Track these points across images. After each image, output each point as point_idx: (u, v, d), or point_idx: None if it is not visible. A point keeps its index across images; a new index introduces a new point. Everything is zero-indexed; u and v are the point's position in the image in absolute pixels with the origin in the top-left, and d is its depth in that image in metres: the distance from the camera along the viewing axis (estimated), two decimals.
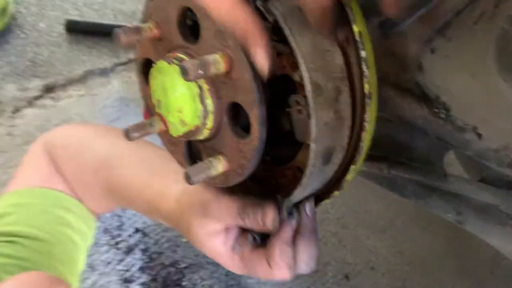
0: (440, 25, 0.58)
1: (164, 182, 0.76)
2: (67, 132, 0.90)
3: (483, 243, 1.45)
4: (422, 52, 0.60)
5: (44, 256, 0.79)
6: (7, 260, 0.73)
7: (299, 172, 0.60)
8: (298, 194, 0.57)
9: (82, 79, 1.47)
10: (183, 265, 1.17)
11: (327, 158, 0.54)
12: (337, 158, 0.55)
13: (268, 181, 0.62)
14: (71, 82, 1.46)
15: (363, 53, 0.50)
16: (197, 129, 0.56)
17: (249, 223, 0.61)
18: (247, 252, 0.63)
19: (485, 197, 0.66)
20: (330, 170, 0.56)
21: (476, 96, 0.62)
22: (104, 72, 1.51)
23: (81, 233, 0.88)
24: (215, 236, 0.65)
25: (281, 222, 0.59)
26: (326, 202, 0.61)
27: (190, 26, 0.58)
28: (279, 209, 0.60)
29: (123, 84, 1.49)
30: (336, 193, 0.59)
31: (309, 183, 0.55)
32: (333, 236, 1.39)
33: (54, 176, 0.86)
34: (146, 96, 0.67)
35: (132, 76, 1.55)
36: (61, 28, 1.58)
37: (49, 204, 0.83)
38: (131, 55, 1.59)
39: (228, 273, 1.20)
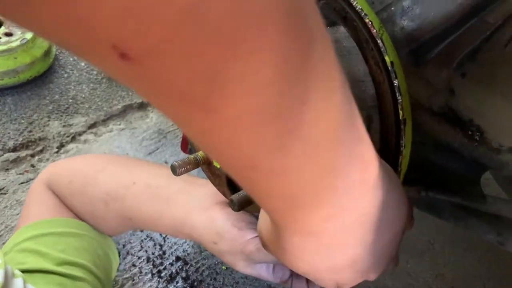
0: (469, 50, 0.60)
1: (180, 207, 0.80)
2: (65, 168, 0.93)
3: None
4: (453, 77, 0.62)
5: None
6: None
7: None
8: None
9: (121, 114, 1.54)
10: None
11: None
12: None
13: None
14: (111, 117, 1.52)
15: (395, 82, 0.53)
16: None
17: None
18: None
19: None
20: None
21: (510, 117, 0.63)
22: (142, 106, 1.57)
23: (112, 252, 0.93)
24: (260, 269, 0.78)
25: None
26: None
27: None
28: None
29: (160, 117, 1.54)
30: None
31: None
32: None
33: (60, 207, 0.90)
34: None
35: None
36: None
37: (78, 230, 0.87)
38: None
39: None
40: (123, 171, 0.88)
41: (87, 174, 0.87)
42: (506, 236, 0.71)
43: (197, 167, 0.66)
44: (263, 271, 0.79)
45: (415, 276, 1.37)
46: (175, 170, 0.64)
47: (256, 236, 0.74)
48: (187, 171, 0.65)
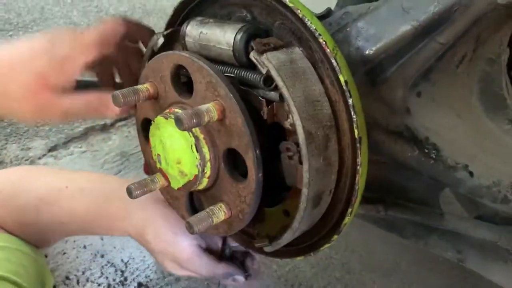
0: (423, 70, 0.61)
1: (117, 205, 0.79)
2: None
3: (491, 282, 1.43)
4: (409, 96, 0.63)
5: None
6: None
7: (286, 215, 0.61)
8: (287, 237, 0.58)
9: (83, 136, 1.50)
10: None
11: (316, 202, 0.55)
12: (325, 202, 0.57)
13: (251, 225, 0.63)
14: (72, 139, 1.49)
15: (350, 101, 0.53)
16: (197, 179, 0.58)
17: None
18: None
19: (482, 234, 0.67)
20: (319, 213, 0.58)
21: (464, 135, 0.64)
22: (104, 128, 1.55)
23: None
24: (189, 272, 0.78)
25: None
26: (326, 247, 0.62)
27: (184, 83, 0.61)
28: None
29: (123, 139, 1.52)
30: (335, 237, 0.60)
31: (299, 227, 0.56)
32: (339, 282, 1.37)
33: None
34: (147, 154, 0.70)
35: (132, 130, 1.58)
36: None
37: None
38: (131, 111, 1.62)
39: None
40: (56, 177, 0.86)
41: (17, 183, 0.84)
42: (465, 254, 0.72)
43: (154, 190, 0.64)
44: (192, 272, 0.79)
45: None
46: (131, 193, 0.62)
47: (190, 244, 0.75)
48: (143, 193, 0.63)
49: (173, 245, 0.75)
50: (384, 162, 0.70)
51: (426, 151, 0.63)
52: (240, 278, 0.80)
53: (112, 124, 1.57)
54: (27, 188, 0.84)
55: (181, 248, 0.75)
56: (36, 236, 0.86)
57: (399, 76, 0.61)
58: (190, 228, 0.55)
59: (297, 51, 0.55)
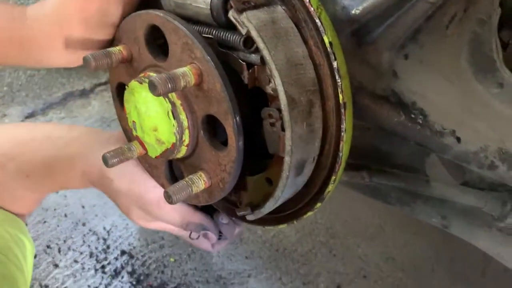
0: (411, 31, 0.58)
1: (79, 146, 0.75)
2: None
3: (473, 247, 1.45)
4: (396, 59, 0.60)
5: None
6: None
7: (269, 183, 0.59)
8: (270, 206, 0.57)
9: (62, 102, 1.46)
10: (172, 285, 1.15)
11: (299, 170, 0.53)
12: (308, 170, 0.55)
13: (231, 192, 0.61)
14: (50, 105, 1.44)
15: (335, 64, 0.50)
16: (174, 147, 0.56)
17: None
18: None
19: (468, 200, 0.66)
20: (302, 181, 0.56)
21: (452, 99, 0.62)
22: (83, 94, 1.50)
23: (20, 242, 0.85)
24: (155, 224, 0.73)
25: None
26: (309, 215, 0.61)
27: (159, 45, 0.57)
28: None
29: (103, 104, 1.47)
30: (318, 204, 0.59)
31: (281, 195, 0.54)
32: (323, 246, 1.38)
33: None
34: (123, 121, 0.66)
35: None
36: None
37: None
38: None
39: None
40: (20, 131, 0.82)
41: None
42: (449, 220, 0.71)
43: (131, 158, 0.61)
44: (160, 225, 0.73)
45: (366, 260, 1.38)
46: (106, 161, 0.59)
47: (159, 188, 0.67)
48: (120, 162, 0.61)
49: (140, 182, 0.68)
50: (368, 128, 0.68)
51: (413, 116, 0.61)
52: (213, 235, 0.73)
53: (92, 89, 1.52)
54: None
55: (150, 188, 0.67)
56: (8, 198, 0.82)
57: (386, 37, 0.59)
58: (168, 198, 0.53)
59: (279, 10, 0.52)
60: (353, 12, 0.57)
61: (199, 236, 0.75)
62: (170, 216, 0.70)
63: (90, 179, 0.73)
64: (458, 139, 0.61)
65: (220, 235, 0.76)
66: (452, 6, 0.58)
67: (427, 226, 1.48)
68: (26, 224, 0.90)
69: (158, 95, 0.47)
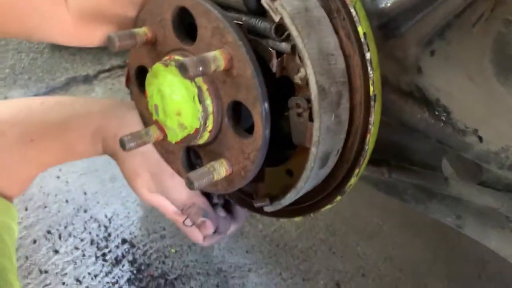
0: (439, 27, 0.58)
1: (91, 114, 0.72)
2: None
3: (470, 248, 1.45)
4: (422, 55, 0.60)
5: None
6: None
7: (289, 175, 0.58)
8: (291, 197, 0.56)
9: (64, 87, 1.44)
10: (172, 276, 1.14)
11: (324, 161, 0.52)
12: (332, 162, 0.54)
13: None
14: (53, 89, 1.42)
15: (368, 55, 0.49)
16: (197, 132, 0.55)
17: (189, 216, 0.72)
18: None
19: (486, 200, 0.66)
20: (324, 173, 0.55)
21: (476, 98, 0.62)
22: (87, 79, 1.48)
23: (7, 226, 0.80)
24: (158, 198, 0.71)
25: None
26: (327, 208, 0.60)
27: (186, 28, 0.56)
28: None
29: (107, 91, 1.45)
30: (338, 198, 0.58)
31: (304, 187, 0.54)
32: (323, 243, 1.37)
33: None
34: (141, 106, 0.65)
35: (116, 83, 1.51)
36: None
37: None
38: (115, 62, 1.55)
39: (219, 284, 1.17)
40: (30, 99, 0.77)
41: None
42: (464, 220, 0.71)
43: (148, 142, 0.60)
44: (162, 201, 0.71)
45: (365, 258, 1.38)
46: (124, 145, 0.58)
47: None
48: (137, 146, 0.59)
49: (151, 151, 0.66)
50: (389, 123, 0.68)
51: (437, 113, 0.60)
52: (211, 225, 0.72)
53: (95, 76, 1.50)
54: None
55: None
56: (6, 176, 0.77)
57: (414, 32, 0.58)
58: (190, 184, 0.52)
59: None
60: (383, 5, 0.57)
61: (192, 225, 0.73)
62: (178, 191, 0.69)
63: (104, 138, 0.69)
64: (480, 139, 0.61)
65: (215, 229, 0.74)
66: (481, 4, 0.57)
67: (425, 228, 1.49)
68: (26, 209, 0.87)
69: (189, 78, 0.46)
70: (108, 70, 1.53)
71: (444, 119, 0.61)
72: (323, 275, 1.29)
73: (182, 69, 0.46)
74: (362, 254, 1.39)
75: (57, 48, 1.52)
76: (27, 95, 1.37)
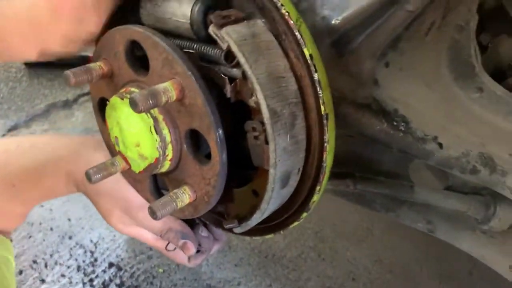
0: (391, 39, 0.59)
1: (69, 146, 0.75)
2: None
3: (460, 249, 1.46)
4: (377, 67, 0.61)
5: None
6: None
7: (255, 195, 0.59)
8: (256, 218, 0.57)
9: (45, 114, 1.44)
10: None
11: (284, 181, 0.53)
12: (294, 181, 0.55)
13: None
14: (33, 117, 1.42)
15: (316, 76, 0.50)
16: (158, 162, 0.55)
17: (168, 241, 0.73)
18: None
19: (452, 205, 0.67)
20: (287, 192, 0.56)
21: (434, 105, 0.63)
22: (67, 104, 1.49)
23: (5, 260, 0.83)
24: (135, 229, 0.72)
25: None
26: (295, 225, 0.61)
27: (140, 58, 0.57)
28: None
29: (87, 115, 1.46)
30: (304, 214, 0.59)
31: (267, 207, 0.54)
32: (312, 250, 1.38)
33: None
34: (105, 135, 0.66)
35: None
36: (19, 63, 1.55)
37: None
38: None
39: None
40: (5, 141, 0.82)
41: None
42: (435, 224, 0.72)
43: (115, 173, 0.61)
44: (140, 232, 0.72)
45: (355, 263, 1.38)
46: (90, 178, 0.59)
47: None
48: (103, 177, 0.60)
49: (125, 186, 0.67)
50: (351, 136, 0.69)
51: (395, 123, 0.61)
52: (192, 246, 0.72)
53: (75, 100, 1.51)
54: None
55: (134, 192, 0.67)
56: None
57: (366, 46, 0.59)
58: (153, 214, 0.53)
59: (259, 24, 0.52)
60: (333, 22, 0.58)
61: (175, 248, 0.74)
62: (152, 221, 0.69)
63: (75, 181, 0.73)
64: (440, 145, 0.62)
65: (198, 248, 0.75)
66: (431, 14, 0.58)
67: (415, 230, 1.49)
68: (11, 240, 0.89)
69: (140, 111, 0.47)
70: (87, 94, 1.54)
71: (403, 129, 0.62)
72: (313, 283, 1.30)
73: (133, 104, 0.47)
74: (351, 259, 1.39)
75: (35, 75, 1.52)
76: (7, 125, 1.38)
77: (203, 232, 0.76)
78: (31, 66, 1.54)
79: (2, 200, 0.79)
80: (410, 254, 1.44)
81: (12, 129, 1.38)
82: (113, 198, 0.70)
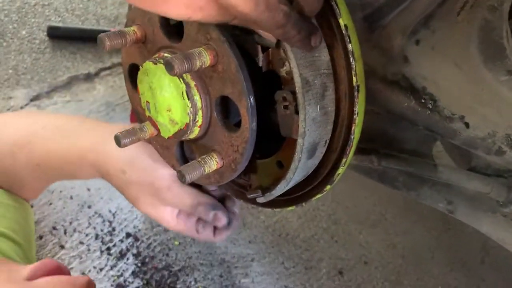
0: (423, 16, 0.59)
1: (90, 138, 0.76)
2: None
3: (473, 234, 1.46)
4: (407, 44, 0.61)
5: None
6: None
7: (279, 166, 0.60)
8: (281, 188, 0.57)
9: (66, 85, 1.46)
10: (176, 268, 1.16)
11: (311, 152, 0.54)
12: (320, 153, 0.56)
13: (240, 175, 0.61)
14: (55, 89, 1.44)
15: (349, 46, 0.50)
16: (188, 127, 0.56)
17: (200, 216, 0.74)
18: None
19: (475, 186, 0.67)
20: (313, 164, 0.57)
21: (462, 85, 0.63)
22: (88, 78, 1.50)
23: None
24: (163, 212, 0.73)
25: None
26: (318, 197, 0.62)
27: (174, 26, 0.58)
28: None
29: (108, 88, 1.47)
30: (328, 187, 0.59)
31: (293, 177, 0.55)
32: (325, 232, 1.39)
33: None
34: (135, 102, 0.67)
35: (117, 80, 1.53)
36: (43, 35, 1.56)
37: None
38: (116, 60, 1.57)
39: (222, 274, 1.19)
40: (31, 120, 0.83)
41: None
42: (455, 205, 0.72)
43: (143, 138, 0.62)
44: (166, 214, 0.73)
45: (367, 247, 1.39)
46: (119, 141, 0.60)
47: (170, 173, 0.69)
48: (132, 142, 0.61)
49: (152, 171, 0.69)
50: (378, 113, 0.69)
51: (423, 101, 0.61)
52: (223, 216, 0.73)
53: (97, 74, 1.52)
54: (1, 135, 0.81)
55: (161, 175, 0.69)
56: (19, 185, 0.84)
57: (398, 22, 0.59)
58: (181, 177, 0.54)
59: None
60: None
61: (205, 222, 0.76)
62: (181, 199, 0.71)
63: (100, 171, 0.74)
64: (467, 125, 0.62)
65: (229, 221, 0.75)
66: None
67: (428, 214, 1.50)
68: (32, 206, 0.91)
69: (175, 74, 0.48)
70: (109, 68, 1.55)
71: (430, 106, 0.62)
72: (325, 264, 1.31)
73: (168, 66, 0.47)
74: (364, 243, 1.40)
75: (58, 47, 1.54)
76: (30, 95, 1.40)
77: (235, 206, 0.77)
78: (53, 38, 1.55)
79: (27, 175, 0.81)
80: (422, 240, 1.44)
81: (35, 99, 1.40)
82: (140, 186, 0.71)
